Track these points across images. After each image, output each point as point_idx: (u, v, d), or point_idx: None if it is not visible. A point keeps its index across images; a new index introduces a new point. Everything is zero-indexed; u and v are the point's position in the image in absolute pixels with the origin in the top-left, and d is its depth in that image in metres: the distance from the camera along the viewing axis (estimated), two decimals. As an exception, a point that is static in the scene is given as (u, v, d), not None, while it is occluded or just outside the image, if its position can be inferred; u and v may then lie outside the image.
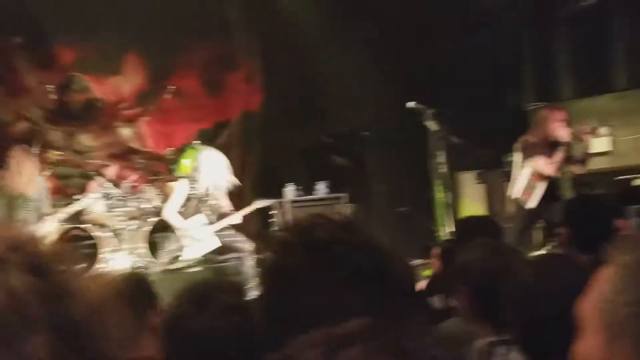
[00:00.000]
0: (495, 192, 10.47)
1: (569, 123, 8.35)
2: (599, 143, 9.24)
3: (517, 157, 8.57)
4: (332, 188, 11.39)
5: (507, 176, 8.91)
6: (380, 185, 12.09)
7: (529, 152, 8.39)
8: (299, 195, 11.32)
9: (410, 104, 9.32)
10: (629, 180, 9.44)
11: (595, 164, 8.93)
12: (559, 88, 11.41)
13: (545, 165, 8.33)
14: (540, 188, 8.31)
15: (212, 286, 2.69)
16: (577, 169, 8.49)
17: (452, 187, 10.24)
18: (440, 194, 9.59)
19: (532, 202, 8.36)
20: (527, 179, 8.36)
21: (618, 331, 1.26)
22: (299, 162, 12.33)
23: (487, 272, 3.04)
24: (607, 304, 1.30)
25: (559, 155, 8.27)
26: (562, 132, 8.26)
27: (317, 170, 11.83)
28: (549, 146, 8.31)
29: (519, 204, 8.46)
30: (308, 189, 11.46)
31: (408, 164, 11.43)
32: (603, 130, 9.65)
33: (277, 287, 1.68)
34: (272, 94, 12.24)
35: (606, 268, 1.34)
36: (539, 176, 8.34)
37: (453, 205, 9.91)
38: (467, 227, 4.95)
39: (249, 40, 12.17)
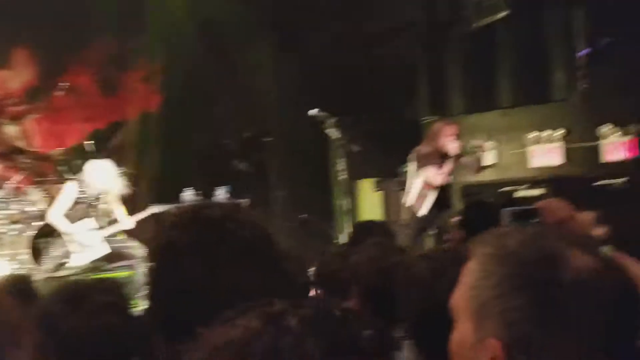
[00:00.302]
0: (392, 200, 10.70)
1: (459, 137, 8.83)
2: (486, 156, 9.79)
3: (411, 167, 8.98)
4: (233, 194, 11.14)
5: (402, 185, 9.30)
6: (282, 192, 11.84)
7: (422, 163, 8.81)
8: (198, 201, 11.02)
9: (313, 112, 9.24)
10: (512, 191, 10.12)
11: (482, 176, 9.52)
12: (451, 104, 11.89)
13: (435, 175, 8.73)
14: (431, 196, 8.77)
15: (86, 285, 2.65)
16: (469, 178, 9.31)
17: (352, 194, 10.31)
18: (340, 201, 9.52)
19: (424, 210, 8.77)
20: (419, 187, 8.79)
21: (484, 313, 1.37)
22: (199, 166, 12.14)
23: (378, 270, 3.10)
24: (473, 291, 1.41)
25: (448, 167, 8.72)
26: (452, 145, 8.71)
27: (217, 175, 11.71)
28: (440, 157, 8.76)
29: (412, 211, 8.83)
30: (207, 194, 11.15)
31: (309, 171, 11.24)
32: (489, 144, 10.48)
33: (168, 263, 1.68)
34: (172, 96, 11.94)
35: (470, 261, 1.46)
36: (429, 185, 8.75)
37: (352, 212, 9.96)
38: (361, 230, 5.03)
39: (147, 40, 11.82)
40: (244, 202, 10.76)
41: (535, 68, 10.98)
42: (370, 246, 3.28)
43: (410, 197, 8.83)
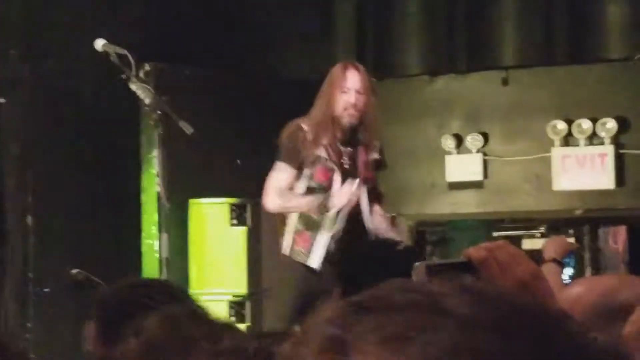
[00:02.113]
0: (267, 244, 5.76)
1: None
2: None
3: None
4: None
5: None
6: (27, 216, 6.32)
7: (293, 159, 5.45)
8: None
9: (99, 44, 4.60)
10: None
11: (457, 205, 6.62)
12: (402, 56, 7.09)
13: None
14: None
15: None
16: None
17: (178, 228, 5.53)
18: (150, 241, 4.64)
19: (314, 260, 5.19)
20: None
21: None
22: None
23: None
24: None
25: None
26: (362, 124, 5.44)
27: None
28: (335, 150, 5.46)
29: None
30: None
31: (91, 172, 5.95)
32: (473, 139, 6.79)
33: None
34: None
35: None
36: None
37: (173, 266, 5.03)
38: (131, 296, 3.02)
39: None
40: None
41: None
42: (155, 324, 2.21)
43: (285, 239, 4.78)
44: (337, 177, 4.60)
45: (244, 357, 1.70)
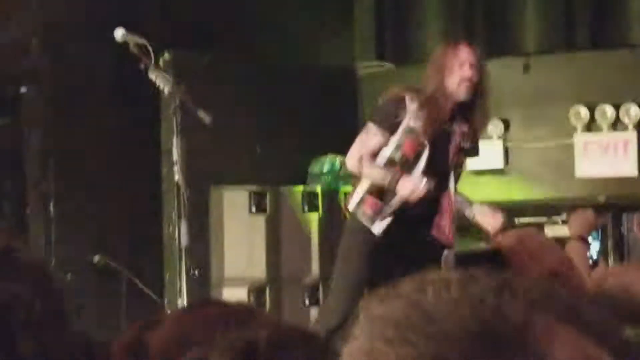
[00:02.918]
0: (289, 230, 5.88)
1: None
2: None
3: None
4: None
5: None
6: (53, 202, 6.41)
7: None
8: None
9: (119, 34, 4.56)
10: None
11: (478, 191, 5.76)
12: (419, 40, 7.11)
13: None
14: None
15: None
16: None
17: (201, 216, 5.59)
18: (171, 230, 4.68)
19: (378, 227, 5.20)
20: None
21: None
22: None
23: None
24: None
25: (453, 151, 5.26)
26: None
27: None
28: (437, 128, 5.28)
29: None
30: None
31: (112, 160, 6.03)
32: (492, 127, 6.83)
33: None
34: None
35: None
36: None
37: (199, 255, 5.34)
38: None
39: None
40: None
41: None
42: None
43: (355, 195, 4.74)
44: (424, 156, 4.54)
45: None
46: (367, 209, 4.57)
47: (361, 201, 4.57)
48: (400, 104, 4.53)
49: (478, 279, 0.88)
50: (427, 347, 0.83)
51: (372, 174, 4.55)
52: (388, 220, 4.53)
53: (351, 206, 4.61)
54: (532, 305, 0.86)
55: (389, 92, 4.64)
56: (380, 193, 4.55)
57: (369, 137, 4.55)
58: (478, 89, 4.55)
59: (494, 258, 1.56)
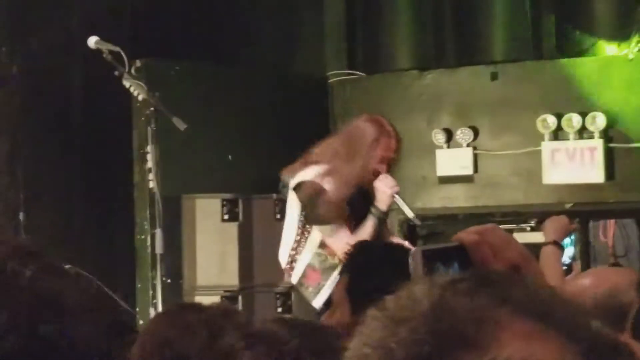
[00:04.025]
0: (259, 238, 5.82)
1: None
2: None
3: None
4: None
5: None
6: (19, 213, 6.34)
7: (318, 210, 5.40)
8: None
9: (92, 42, 4.49)
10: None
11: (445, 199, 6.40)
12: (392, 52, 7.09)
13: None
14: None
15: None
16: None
17: (173, 223, 5.53)
18: (141, 237, 4.69)
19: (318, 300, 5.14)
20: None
21: None
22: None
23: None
24: None
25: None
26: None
27: None
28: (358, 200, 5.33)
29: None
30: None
31: (84, 167, 5.96)
32: (463, 133, 6.88)
33: None
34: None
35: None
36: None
37: (168, 263, 5.11)
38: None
39: None
40: None
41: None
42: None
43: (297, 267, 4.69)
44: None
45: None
46: (310, 283, 4.58)
47: (303, 275, 4.59)
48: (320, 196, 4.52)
49: (439, 280, 0.91)
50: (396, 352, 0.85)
51: (366, 231, 4.53)
52: (329, 292, 4.48)
53: (293, 279, 4.64)
54: (490, 301, 0.88)
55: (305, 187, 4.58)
56: (322, 265, 4.55)
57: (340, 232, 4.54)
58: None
59: (460, 253, 1.57)
